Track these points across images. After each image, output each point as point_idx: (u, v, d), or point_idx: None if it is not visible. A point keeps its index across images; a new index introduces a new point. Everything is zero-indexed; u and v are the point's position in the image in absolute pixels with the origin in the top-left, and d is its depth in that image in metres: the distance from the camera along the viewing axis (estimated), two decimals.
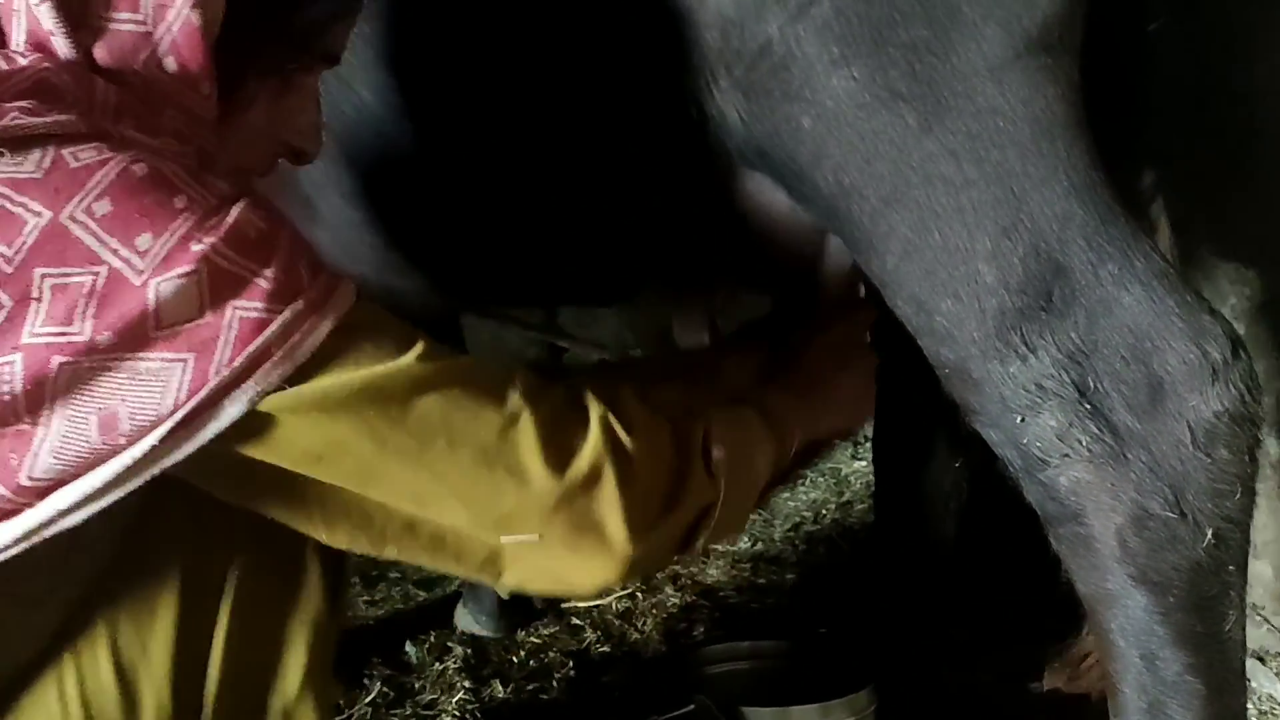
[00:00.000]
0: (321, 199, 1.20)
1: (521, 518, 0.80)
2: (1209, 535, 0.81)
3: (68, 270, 0.68)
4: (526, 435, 0.79)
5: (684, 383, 1.06)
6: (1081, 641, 1.17)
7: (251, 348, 0.71)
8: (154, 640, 0.81)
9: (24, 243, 0.68)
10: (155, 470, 0.71)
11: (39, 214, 0.69)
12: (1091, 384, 0.81)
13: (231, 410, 0.71)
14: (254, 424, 0.72)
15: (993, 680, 1.55)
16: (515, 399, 0.80)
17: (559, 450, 0.80)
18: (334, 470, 0.77)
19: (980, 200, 0.80)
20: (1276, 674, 1.49)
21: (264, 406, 0.72)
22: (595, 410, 0.83)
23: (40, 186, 0.69)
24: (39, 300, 0.68)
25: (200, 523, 0.82)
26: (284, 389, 0.72)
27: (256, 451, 0.74)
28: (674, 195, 1.08)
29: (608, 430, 0.82)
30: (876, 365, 1.16)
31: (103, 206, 0.69)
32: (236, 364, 0.70)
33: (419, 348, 0.78)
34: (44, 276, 0.68)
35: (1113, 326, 0.80)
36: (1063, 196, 0.80)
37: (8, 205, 0.69)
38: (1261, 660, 1.51)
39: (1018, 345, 0.81)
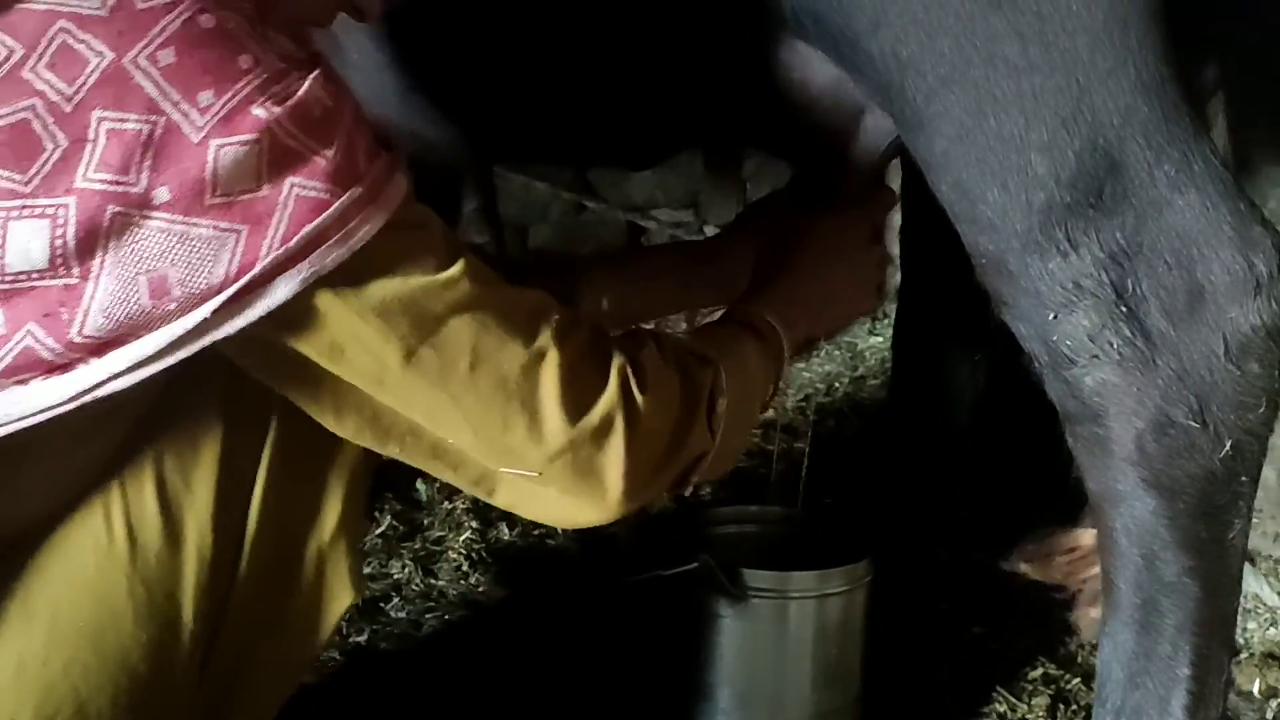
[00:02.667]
0: (348, 38, 1.16)
1: (526, 454, 0.82)
2: (1227, 446, 0.81)
3: (125, 116, 0.67)
4: (549, 375, 0.80)
5: (686, 286, 1.11)
6: (1062, 534, 1.19)
7: (309, 229, 0.70)
8: (197, 477, 0.83)
9: (84, 83, 0.67)
10: (205, 342, 0.71)
11: (101, 54, 0.67)
12: (1130, 286, 0.79)
13: (283, 290, 0.71)
14: (287, 307, 0.72)
15: (986, 561, 1.60)
16: (545, 335, 0.80)
17: (577, 397, 0.81)
18: (353, 369, 0.77)
19: (1042, 87, 0.76)
20: (1264, 574, 1.53)
21: (304, 292, 0.72)
22: (616, 361, 0.84)
23: (105, 25, 0.67)
24: (94, 143, 0.67)
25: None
26: (334, 273, 0.72)
27: (282, 334, 0.75)
28: (713, 56, 1.04)
29: (625, 384, 0.83)
30: (883, 255, 1.15)
31: (166, 56, 0.67)
32: (292, 244, 0.70)
33: (461, 264, 0.77)
34: (101, 120, 0.67)
35: (1160, 229, 0.78)
36: (1128, 90, 0.76)
37: (70, 41, 0.67)
38: (1252, 561, 1.55)
39: (1060, 241, 0.79)
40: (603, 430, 0.82)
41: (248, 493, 0.86)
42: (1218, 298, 0.78)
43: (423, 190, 0.81)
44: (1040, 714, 1.31)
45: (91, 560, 0.81)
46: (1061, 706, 1.32)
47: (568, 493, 0.85)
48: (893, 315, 2.34)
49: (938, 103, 0.80)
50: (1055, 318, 0.81)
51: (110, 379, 0.71)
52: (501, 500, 0.87)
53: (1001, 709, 1.32)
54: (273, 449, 0.86)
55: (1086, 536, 1.32)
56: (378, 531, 1.67)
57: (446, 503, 1.76)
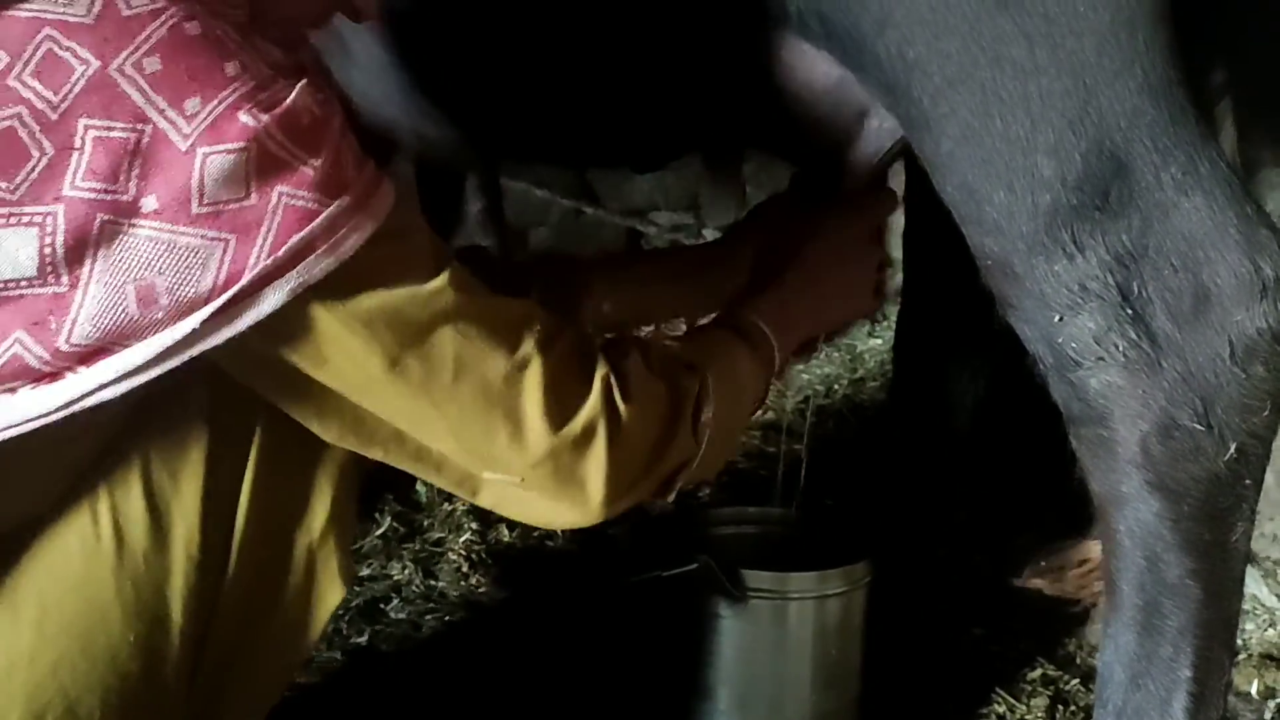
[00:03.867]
0: (355, 39, 1.16)
1: (508, 461, 0.82)
2: (1232, 449, 0.81)
3: (111, 124, 0.67)
4: (531, 384, 0.81)
5: (687, 291, 1.12)
6: (1073, 547, 1.19)
7: (297, 238, 0.70)
8: (185, 476, 0.83)
9: (70, 90, 0.67)
10: (194, 352, 0.71)
11: (86, 62, 0.67)
12: (1136, 289, 0.79)
13: (271, 300, 0.71)
14: (274, 315, 0.72)
15: (986, 562, 1.60)
16: (528, 345, 0.81)
17: (559, 405, 0.82)
18: (337, 377, 0.78)
19: (1049, 89, 0.76)
20: (1263, 576, 1.53)
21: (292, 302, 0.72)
22: (600, 370, 0.85)
23: (90, 33, 0.67)
24: (80, 151, 0.67)
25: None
26: (322, 283, 0.72)
27: (268, 341, 0.75)
28: (717, 56, 1.04)
29: (608, 393, 0.84)
30: (882, 258, 1.15)
31: (152, 63, 0.67)
32: (280, 254, 0.70)
33: (446, 275, 0.78)
34: (88, 128, 0.67)
35: (1167, 232, 0.78)
36: (1135, 92, 0.76)
37: (55, 49, 0.67)
38: (1251, 562, 1.55)
39: (1066, 243, 0.79)
40: (585, 438, 0.83)
41: (236, 491, 0.85)
42: (1223, 301, 0.78)
43: (426, 190, 0.81)
44: (1039, 715, 1.31)
45: (79, 559, 0.80)
46: (1060, 707, 1.32)
47: (550, 498, 0.86)
48: (892, 318, 2.35)
49: (944, 103, 0.80)
50: (1061, 320, 0.81)
51: (99, 389, 0.71)
52: (485, 501, 0.87)
53: (1000, 710, 1.32)
54: (260, 447, 0.86)
55: (1097, 548, 1.33)
56: (378, 533, 1.67)
57: (446, 504, 1.76)
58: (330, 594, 0.92)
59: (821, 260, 1.10)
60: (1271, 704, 1.32)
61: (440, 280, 0.77)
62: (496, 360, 0.80)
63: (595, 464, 0.84)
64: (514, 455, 0.82)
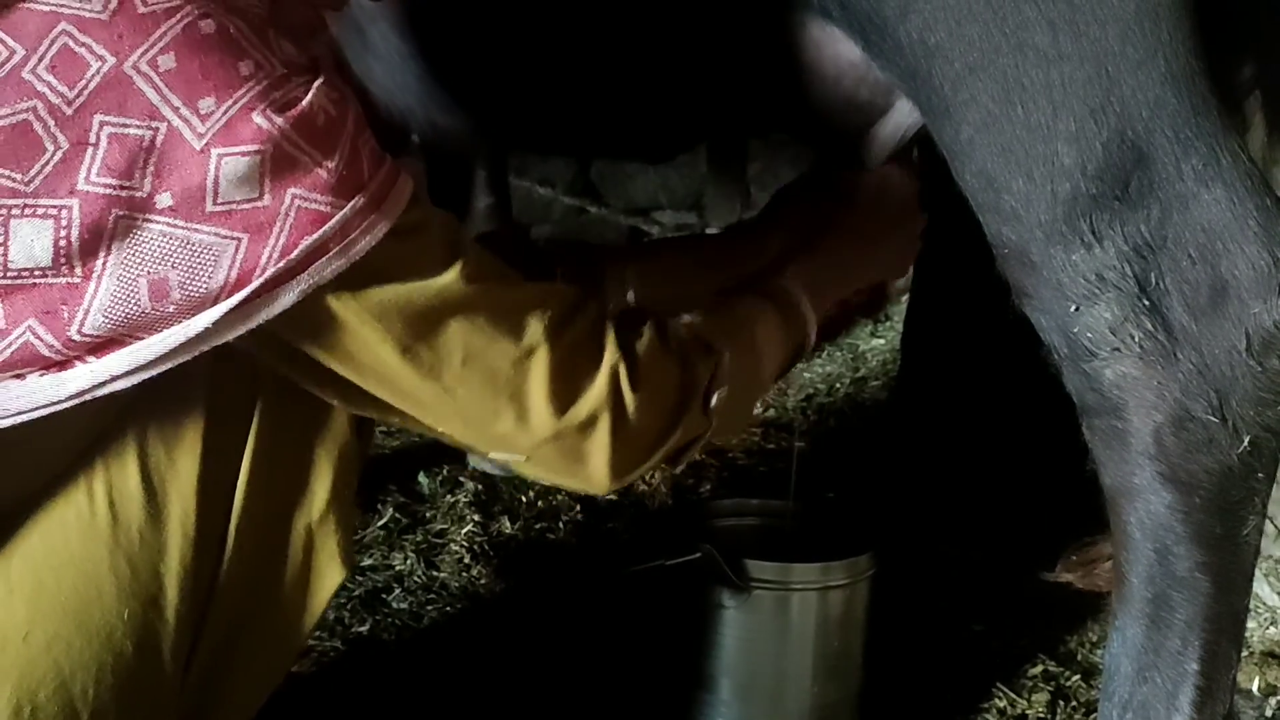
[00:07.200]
0: (372, 27, 1.16)
1: (513, 442, 0.84)
2: (1246, 442, 0.81)
3: (126, 121, 0.67)
4: (538, 370, 0.82)
5: (713, 278, 1.11)
6: (1103, 541, 1.19)
7: (309, 240, 0.71)
8: (181, 452, 0.83)
9: (85, 87, 0.67)
10: (205, 347, 0.72)
11: (102, 59, 0.67)
12: (1154, 280, 0.79)
13: (285, 299, 0.72)
14: (287, 309, 0.73)
15: (985, 558, 1.60)
16: (537, 331, 0.82)
17: (564, 391, 0.83)
18: (348, 364, 0.79)
19: (1071, 77, 0.76)
20: (1265, 574, 1.53)
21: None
22: (609, 356, 0.86)
23: (106, 29, 0.67)
24: (95, 146, 0.67)
25: (229, 348, 0.82)
26: (335, 279, 0.73)
27: (279, 330, 0.75)
28: (735, 37, 1.04)
29: (614, 381, 0.85)
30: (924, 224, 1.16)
31: (167, 61, 0.68)
32: (293, 256, 0.70)
33: (459, 266, 0.79)
34: (103, 124, 0.67)
35: (1186, 223, 0.78)
36: (1158, 82, 0.76)
37: (71, 44, 0.67)
38: None
39: (1085, 233, 0.79)
40: (588, 423, 0.85)
41: (234, 469, 0.86)
42: (1241, 293, 0.78)
43: (437, 179, 0.81)
44: (1040, 710, 1.31)
45: (74, 534, 0.80)
46: (1061, 703, 1.32)
47: (555, 474, 0.88)
48: (895, 318, 2.37)
49: (965, 90, 0.80)
50: (1077, 309, 0.81)
51: (111, 380, 0.71)
52: (498, 457, 0.89)
53: (1001, 704, 1.32)
54: (259, 428, 0.86)
55: None
56: (380, 523, 1.67)
57: (449, 496, 1.76)
58: (330, 576, 0.92)
59: (869, 214, 1.11)
60: (1273, 701, 1.32)
61: (453, 273, 0.78)
62: (505, 346, 0.81)
63: (599, 446, 0.85)
64: (519, 436, 0.84)
